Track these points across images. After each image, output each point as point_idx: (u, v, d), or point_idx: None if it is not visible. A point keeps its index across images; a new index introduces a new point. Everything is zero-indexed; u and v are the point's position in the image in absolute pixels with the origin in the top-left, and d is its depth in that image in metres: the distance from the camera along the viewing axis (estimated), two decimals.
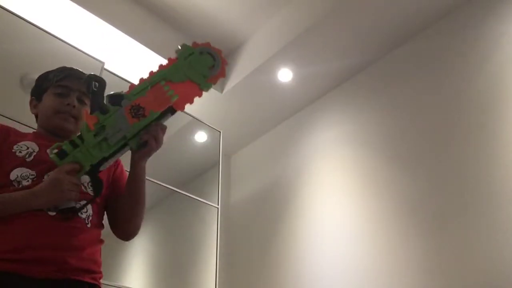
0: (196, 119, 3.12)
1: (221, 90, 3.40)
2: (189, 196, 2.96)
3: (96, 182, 1.11)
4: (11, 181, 1.09)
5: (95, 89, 1.10)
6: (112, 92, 1.11)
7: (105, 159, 1.07)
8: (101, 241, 1.18)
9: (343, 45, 3.02)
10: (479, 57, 2.51)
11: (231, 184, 3.89)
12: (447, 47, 2.73)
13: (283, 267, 3.09)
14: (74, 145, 1.07)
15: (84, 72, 1.33)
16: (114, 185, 1.25)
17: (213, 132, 3.24)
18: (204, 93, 1.14)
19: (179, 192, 2.89)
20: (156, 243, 2.86)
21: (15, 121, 2.02)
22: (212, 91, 3.33)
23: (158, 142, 1.11)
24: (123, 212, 1.20)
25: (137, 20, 3.06)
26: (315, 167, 3.22)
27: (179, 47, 1.16)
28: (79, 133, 1.09)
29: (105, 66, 2.59)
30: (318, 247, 2.91)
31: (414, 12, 2.80)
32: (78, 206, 1.09)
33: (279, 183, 3.43)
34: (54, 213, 1.06)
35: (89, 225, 1.12)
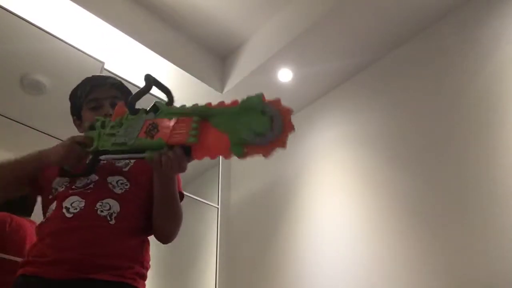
0: None
1: (221, 90, 3.40)
2: (189, 196, 2.96)
3: (91, 164, 1.12)
4: (52, 187, 1.18)
5: (142, 88, 1.07)
6: (158, 101, 1.07)
7: (108, 152, 1.08)
8: (138, 235, 1.16)
9: (343, 45, 3.02)
10: (479, 57, 2.51)
11: (231, 184, 3.89)
12: (447, 47, 2.73)
13: (283, 267, 3.09)
14: (103, 125, 1.11)
15: (104, 76, 1.36)
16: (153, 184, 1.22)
17: None
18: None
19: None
20: (156, 243, 2.86)
21: (15, 121, 2.02)
22: (212, 91, 3.34)
23: (164, 166, 1.00)
24: (154, 217, 1.20)
25: (137, 20, 3.06)
26: (315, 167, 3.22)
27: (253, 96, 0.95)
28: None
29: (105, 66, 2.59)
30: (318, 247, 2.91)
31: (414, 12, 2.80)
32: (71, 171, 1.14)
33: (279, 183, 3.43)
34: (71, 215, 1.09)
35: (112, 222, 1.10)
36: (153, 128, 1.01)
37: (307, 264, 2.93)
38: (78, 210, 1.09)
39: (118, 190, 1.15)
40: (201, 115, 0.96)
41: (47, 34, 2.37)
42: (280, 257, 3.14)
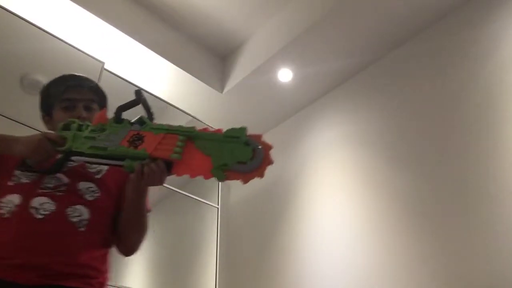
0: (196, 119, 3.12)
1: (221, 90, 3.40)
2: (189, 196, 2.96)
3: (59, 163, 1.10)
4: (14, 174, 1.14)
5: (131, 101, 1.10)
6: (142, 116, 1.10)
7: (82, 154, 1.07)
8: (104, 246, 1.16)
9: (343, 45, 3.02)
10: (479, 57, 2.51)
11: (231, 184, 3.89)
12: (447, 47, 2.73)
13: (283, 267, 3.09)
14: (79, 127, 1.11)
15: (82, 76, 1.32)
16: (122, 195, 1.23)
17: None
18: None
19: (179, 192, 2.89)
20: (156, 243, 2.86)
21: (15, 121, 2.02)
22: (212, 91, 3.34)
23: (146, 177, 1.02)
24: (121, 227, 1.20)
25: (137, 20, 3.06)
26: (315, 167, 3.22)
27: (238, 128, 1.03)
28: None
29: (105, 66, 2.59)
30: (318, 247, 2.91)
31: (414, 12, 2.80)
32: (33, 166, 1.11)
33: (279, 183, 3.43)
34: (41, 217, 1.07)
35: (82, 229, 1.10)
36: (138, 139, 1.04)
37: (307, 264, 2.93)
38: (48, 213, 1.07)
39: (88, 197, 1.14)
40: (187, 135, 1.03)
41: (47, 34, 2.37)
42: (280, 257, 3.14)
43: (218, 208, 3.09)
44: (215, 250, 2.95)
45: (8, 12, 2.26)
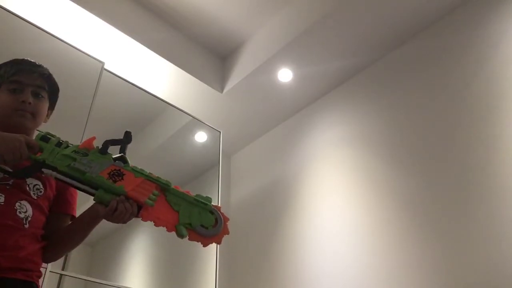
0: (196, 119, 3.12)
1: (221, 90, 3.40)
2: None
3: (29, 170, 1.11)
4: None
5: (121, 140, 1.16)
6: (124, 156, 1.15)
7: (55, 169, 1.09)
8: (41, 242, 1.18)
9: (343, 45, 3.03)
10: (479, 57, 2.51)
11: (231, 184, 3.89)
12: (446, 47, 2.73)
13: (283, 266, 3.09)
14: (59, 144, 1.13)
15: (36, 63, 1.30)
16: (56, 197, 1.25)
17: (213, 132, 3.24)
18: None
19: None
20: (156, 243, 2.86)
21: None
22: (212, 91, 3.34)
23: (117, 213, 1.07)
24: (62, 236, 1.22)
25: (137, 20, 3.06)
26: (315, 167, 3.22)
27: (205, 196, 1.16)
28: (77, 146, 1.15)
29: (105, 66, 2.59)
30: (318, 247, 2.91)
31: (414, 12, 2.80)
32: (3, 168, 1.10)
33: (279, 183, 3.43)
34: None
35: (27, 226, 1.11)
36: (118, 175, 1.11)
37: (307, 264, 2.93)
38: None
39: (33, 195, 1.16)
40: (163, 188, 1.13)
41: (47, 34, 2.37)
42: (280, 257, 3.14)
43: None
44: (215, 250, 2.94)
45: (8, 12, 2.26)
